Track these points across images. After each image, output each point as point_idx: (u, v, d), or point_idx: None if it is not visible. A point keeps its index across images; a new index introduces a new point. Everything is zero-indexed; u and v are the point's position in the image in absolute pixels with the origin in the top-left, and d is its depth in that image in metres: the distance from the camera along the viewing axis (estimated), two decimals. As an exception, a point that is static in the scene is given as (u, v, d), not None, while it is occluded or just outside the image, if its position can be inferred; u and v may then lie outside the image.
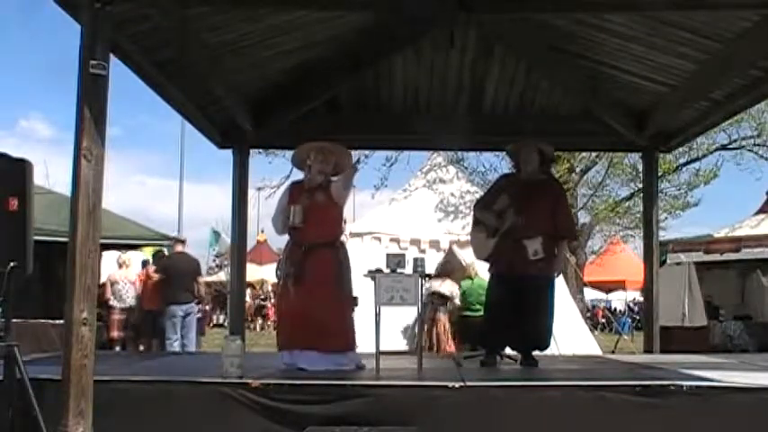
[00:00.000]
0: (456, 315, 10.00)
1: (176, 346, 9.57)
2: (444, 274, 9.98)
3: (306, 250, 5.08)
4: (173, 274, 9.95)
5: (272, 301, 21.94)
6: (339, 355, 5.06)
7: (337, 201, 5.21)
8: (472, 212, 6.11)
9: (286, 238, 5.31)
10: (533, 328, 5.54)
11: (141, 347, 10.56)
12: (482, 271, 9.34)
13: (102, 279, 9.84)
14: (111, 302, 10.76)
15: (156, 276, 10.23)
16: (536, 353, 5.65)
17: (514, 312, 5.45)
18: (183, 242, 10.85)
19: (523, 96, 7.60)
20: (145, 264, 11.28)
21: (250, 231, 10.12)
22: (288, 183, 5.40)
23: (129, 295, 10.88)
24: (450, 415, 4.08)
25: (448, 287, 9.85)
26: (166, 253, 11.11)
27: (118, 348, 10.39)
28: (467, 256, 10.22)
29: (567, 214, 6.06)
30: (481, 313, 9.57)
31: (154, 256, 11.21)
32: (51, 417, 3.69)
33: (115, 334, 10.68)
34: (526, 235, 5.44)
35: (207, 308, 12.35)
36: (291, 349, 5.08)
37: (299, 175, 5.51)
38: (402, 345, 8.88)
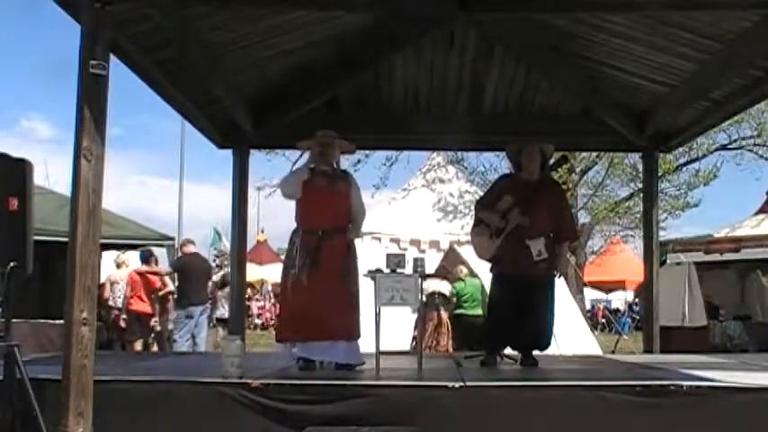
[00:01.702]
0: (451, 314, 10.35)
1: (185, 347, 9.52)
2: (442, 275, 10.25)
3: (321, 235, 5.06)
4: (190, 276, 9.90)
5: (271, 300, 22.01)
6: (350, 344, 5.08)
7: (352, 204, 5.29)
8: (474, 212, 6.11)
9: (291, 219, 5.27)
10: (534, 328, 5.54)
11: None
12: (480, 271, 9.60)
13: (102, 279, 9.82)
14: (110, 302, 10.74)
15: (164, 272, 10.21)
16: (536, 353, 5.65)
17: (517, 313, 5.45)
18: (193, 243, 10.83)
19: (523, 96, 7.61)
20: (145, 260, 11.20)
21: (250, 231, 10.12)
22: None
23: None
24: (451, 415, 4.09)
25: (447, 287, 10.17)
26: (153, 252, 11.04)
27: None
28: (467, 257, 10.29)
29: (569, 215, 6.10)
30: (474, 311, 10.00)
31: (141, 255, 11.12)
32: (51, 417, 3.70)
33: (115, 335, 10.66)
34: (529, 235, 5.44)
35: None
36: (304, 340, 5.04)
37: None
38: (403, 345, 8.94)
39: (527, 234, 5.45)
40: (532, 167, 5.65)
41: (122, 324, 10.41)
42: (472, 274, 10.29)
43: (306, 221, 5.18)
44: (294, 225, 5.28)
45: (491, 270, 5.81)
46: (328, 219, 5.11)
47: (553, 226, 5.58)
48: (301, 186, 5.16)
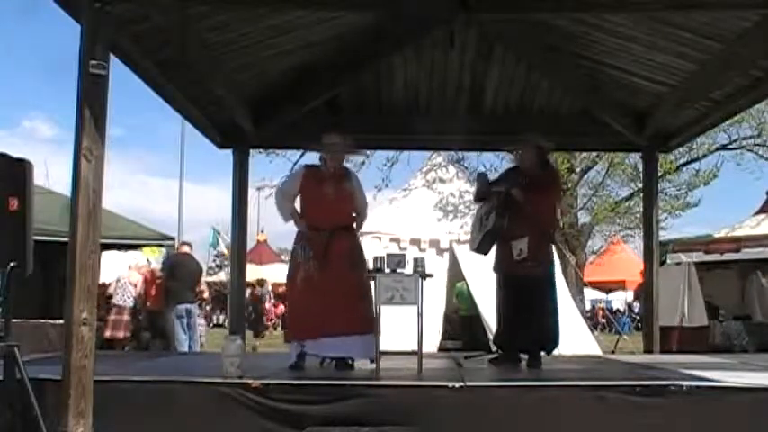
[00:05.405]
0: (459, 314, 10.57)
1: (186, 346, 9.52)
2: None
3: (330, 235, 5.13)
4: (182, 274, 9.92)
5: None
6: (363, 337, 5.08)
7: (358, 204, 5.40)
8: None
9: (285, 232, 5.35)
10: (534, 329, 5.53)
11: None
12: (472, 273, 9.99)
13: (104, 279, 9.83)
14: (114, 301, 10.78)
15: (159, 274, 10.25)
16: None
17: (516, 312, 5.51)
18: (189, 245, 10.89)
19: (523, 96, 7.60)
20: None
21: (250, 231, 10.14)
22: (299, 165, 5.42)
23: (128, 296, 10.89)
24: (451, 415, 4.09)
25: None
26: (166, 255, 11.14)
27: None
28: (465, 257, 10.34)
29: (549, 207, 5.91)
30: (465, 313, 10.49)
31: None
32: (51, 417, 3.69)
33: (108, 333, 10.65)
34: (513, 236, 5.50)
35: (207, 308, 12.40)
36: (315, 337, 5.05)
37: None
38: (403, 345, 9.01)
39: (510, 235, 5.51)
40: (526, 164, 5.73)
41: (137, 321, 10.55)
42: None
43: (313, 222, 5.23)
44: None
45: (493, 269, 5.85)
46: (335, 219, 5.22)
47: (541, 222, 5.60)
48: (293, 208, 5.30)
